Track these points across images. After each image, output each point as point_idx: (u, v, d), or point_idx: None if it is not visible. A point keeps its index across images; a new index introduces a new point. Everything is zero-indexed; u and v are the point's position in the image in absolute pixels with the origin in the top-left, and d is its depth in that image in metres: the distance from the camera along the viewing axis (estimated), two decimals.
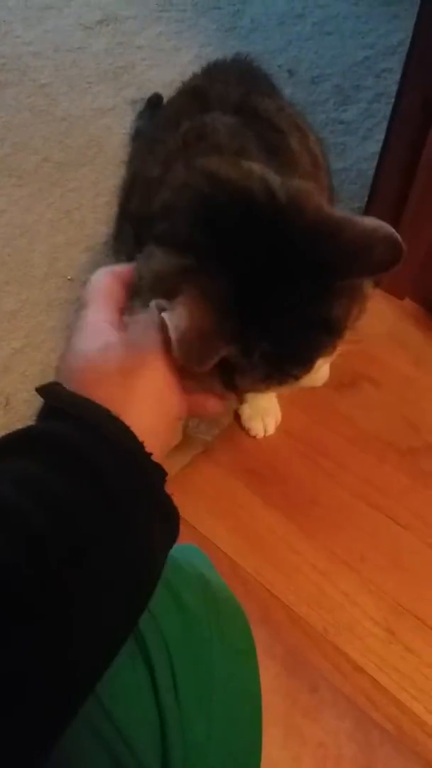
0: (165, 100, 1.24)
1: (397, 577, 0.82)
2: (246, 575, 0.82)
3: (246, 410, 0.92)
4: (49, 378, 0.43)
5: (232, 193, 0.48)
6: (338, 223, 0.46)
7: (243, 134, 0.65)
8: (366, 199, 1.01)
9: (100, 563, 0.35)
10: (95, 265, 1.08)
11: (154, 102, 1.24)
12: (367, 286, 0.51)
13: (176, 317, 0.42)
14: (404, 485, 0.89)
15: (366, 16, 1.45)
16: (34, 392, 0.42)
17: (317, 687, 0.54)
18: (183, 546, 0.58)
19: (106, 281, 0.49)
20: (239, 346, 0.44)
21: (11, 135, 1.23)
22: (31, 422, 0.41)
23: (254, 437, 0.92)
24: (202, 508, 0.87)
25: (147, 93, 1.26)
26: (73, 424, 0.38)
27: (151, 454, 0.39)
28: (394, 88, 0.86)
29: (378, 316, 1.04)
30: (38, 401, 0.42)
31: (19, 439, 0.38)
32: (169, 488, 0.93)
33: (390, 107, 0.89)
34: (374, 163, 0.97)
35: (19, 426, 0.39)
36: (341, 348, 0.51)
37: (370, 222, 0.46)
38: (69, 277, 1.07)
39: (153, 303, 0.45)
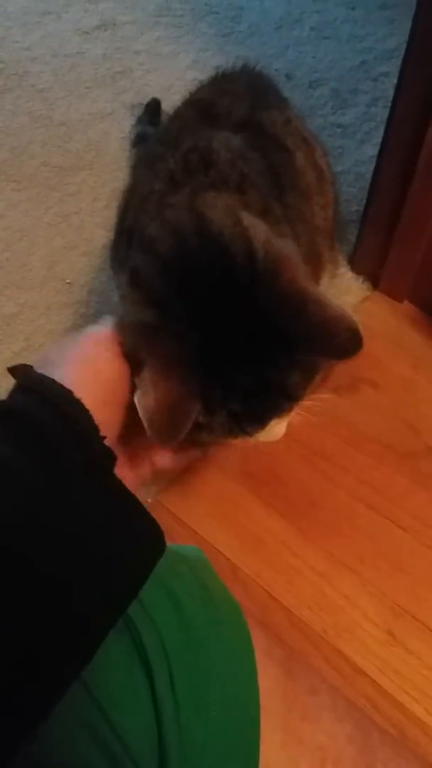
0: (163, 104, 1.25)
1: (397, 579, 0.82)
2: (245, 578, 0.82)
3: None
4: None
5: (213, 250, 0.49)
6: (307, 301, 0.48)
7: (247, 158, 0.65)
8: (364, 202, 1.02)
9: (44, 514, 0.37)
10: (94, 269, 1.08)
11: (152, 107, 1.25)
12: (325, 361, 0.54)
13: (143, 397, 0.44)
14: (403, 487, 0.89)
15: (363, 20, 1.45)
16: None
17: (316, 689, 0.54)
18: (183, 547, 0.58)
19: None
20: (204, 405, 0.47)
21: (10, 139, 1.24)
22: None
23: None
24: (202, 511, 0.87)
25: (145, 98, 1.27)
26: (32, 397, 0.40)
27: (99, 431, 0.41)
28: (392, 91, 0.87)
29: (377, 319, 1.04)
30: None
31: None
32: (169, 491, 0.94)
33: (387, 111, 0.89)
34: (372, 167, 0.97)
35: None
36: (297, 410, 0.53)
37: (336, 309, 0.48)
38: (68, 281, 1.07)
39: (108, 317, 0.49)
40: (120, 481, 0.40)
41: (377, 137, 0.96)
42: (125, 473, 0.42)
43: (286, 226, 0.62)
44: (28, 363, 0.45)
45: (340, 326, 0.47)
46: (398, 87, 0.85)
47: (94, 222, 1.13)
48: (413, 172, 0.89)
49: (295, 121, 0.82)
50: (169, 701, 0.43)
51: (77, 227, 1.13)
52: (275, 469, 0.91)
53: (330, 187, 0.83)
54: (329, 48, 1.40)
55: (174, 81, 1.33)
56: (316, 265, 0.76)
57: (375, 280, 1.06)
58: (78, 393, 0.41)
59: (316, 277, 0.76)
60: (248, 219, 0.52)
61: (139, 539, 0.40)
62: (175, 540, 0.83)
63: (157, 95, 1.26)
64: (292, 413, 0.53)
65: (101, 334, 0.48)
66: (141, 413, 0.44)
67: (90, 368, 0.45)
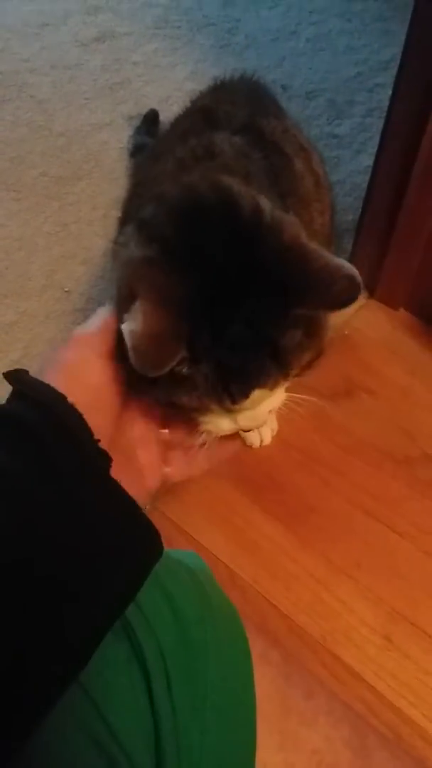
0: (161, 115, 1.26)
1: (394, 584, 0.83)
2: (243, 584, 0.83)
3: None
4: None
5: (223, 201, 0.49)
6: (308, 253, 0.47)
7: (249, 156, 0.66)
8: (360, 211, 1.03)
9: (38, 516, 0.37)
10: (92, 278, 1.09)
11: (150, 117, 1.26)
12: (323, 340, 0.52)
13: (132, 323, 0.43)
14: (400, 494, 0.90)
15: (359, 32, 1.47)
16: None
17: (313, 693, 0.54)
18: (181, 552, 0.58)
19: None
20: (190, 349, 0.45)
21: (9, 150, 1.25)
22: None
23: (251, 447, 0.93)
24: (200, 517, 0.87)
25: (143, 108, 1.28)
26: (29, 404, 0.40)
27: (98, 440, 0.41)
28: (387, 102, 0.88)
29: (373, 326, 1.05)
30: None
31: None
32: (167, 497, 0.94)
33: (383, 121, 0.90)
34: (368, 176, 0.98)
35: None
36: (285, 393, 0.51)
37: (337, 260, 0.47)
38: (66, 289, 1.08)
39: (100, 310, 0.48)
40: (117, 483, 0.40)
41: (373, 147, 0.97)
42: (124, 478, 0.42)
43: None
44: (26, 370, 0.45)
45: (339, 274, 0.46)
46: (393, 97, 0.87)
47: (93, 231, 1.14)
48: (408, 182, 0.90)
49: (293, 129, 0.83)
50: (166, 704, 0.44)
51: (76, 236, 1.14)
52: (273, 476, 0.91)
53: (327, 193, 0.83)
54: (325, 59, 1.42)
55: (172, 92, 1.34)
56: None
57: (371, 289, 1.07)
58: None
59: None
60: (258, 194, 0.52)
61: (136, 541, 0.41)
62: (173, 546, 0.84)
63: (155, 106, 1.28)
64: (279, 396, 0.51)
65: (88, 336, 0.47)
66: (127, 340, 0.43)
67: (77, 376, 0.44)
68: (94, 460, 0.40)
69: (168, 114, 1.21)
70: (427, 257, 0.98)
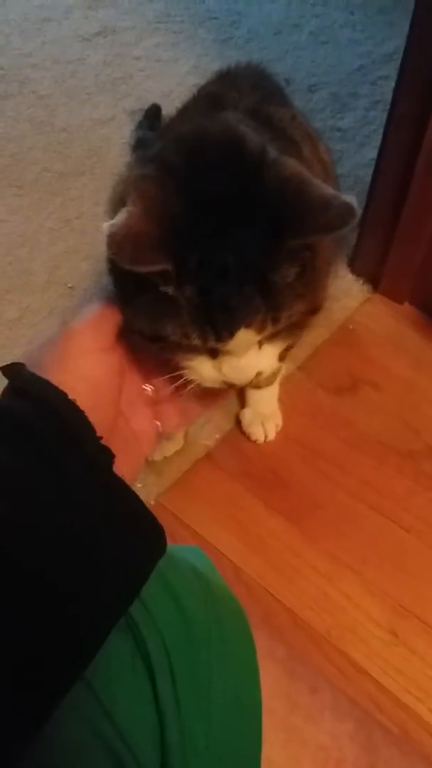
0: (163, 110, 1.25)
1: (400, 579, 0.83)
2: (248, 579, 0.83)
3: (246, 415, 0.92)
4: None
5: (231, 135, 0.49)
6: (306, 182, 0.47)
7: (261, 134, 0.66)
8: (364, 204, 1.02)
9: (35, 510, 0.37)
10: (96, 273, 1.09)
11: (152, 112, 1.25)
12: (319, 293, 0.51)
13: (116, 218, 0.43)
14: (405, 488, 0.89)
15: (361, 24, 1.46)
16: None
17: (319, 689, 0.54)
18: (185, 547, 0.58)
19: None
20: (176, 268, 0.44)
21: (11, 145, 1.24)
22: None
23: (255, 442, 0.93)
24: (204, 513, 0.87)
25: (145, 103, 1.28)
26: (30, 402, 0.40)
27: (93, 429, 0.41)
28: (390, 95, 0.87)
29: (377, 321, 1.05)
30: None
31: None
32: (172, 493, 0.94)
33: (386, 114, 0.90)
34: (371, 170, 0.97)
35: None
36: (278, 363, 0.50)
37: (336, 192, 0.47)
38: (69, 285, 1.08)
39: (96, 301, 0.47)
40: (120, 479, 0.40)
41: (376, 140, 0.96)
42: (124, 470, 0.42)
43: None
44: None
45: (336, 201, 0.46)
46: (397, 90, 0.86)
47: (96, 226, 1.14)
48: (412, 175, 0.90)
49: (300, 117, 0.82)
50: (170, 700, 0.43)
51: (79, 232, 1.14)
52: (277, 471, 0.91)
53: (334, 183, 0.83)
54: (328, 52, 1.41)
55: (174, 86, 1.33)
56: None
57: (375, 282, 1.07)
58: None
59: None
60: None
61: (139, 537, 0.41)
62: (177, 541, 0.84)
63: (157, 101, 1.27)
64: (269, 357, 0.50)
65: (84, 328, 0.46)
66: (107, 233, 0.42)
67: (75, 370, 0.44)
68: (97, 458, 0.40)
69: (170, 108, 1.20)
70: (431, 251, 0.97)
